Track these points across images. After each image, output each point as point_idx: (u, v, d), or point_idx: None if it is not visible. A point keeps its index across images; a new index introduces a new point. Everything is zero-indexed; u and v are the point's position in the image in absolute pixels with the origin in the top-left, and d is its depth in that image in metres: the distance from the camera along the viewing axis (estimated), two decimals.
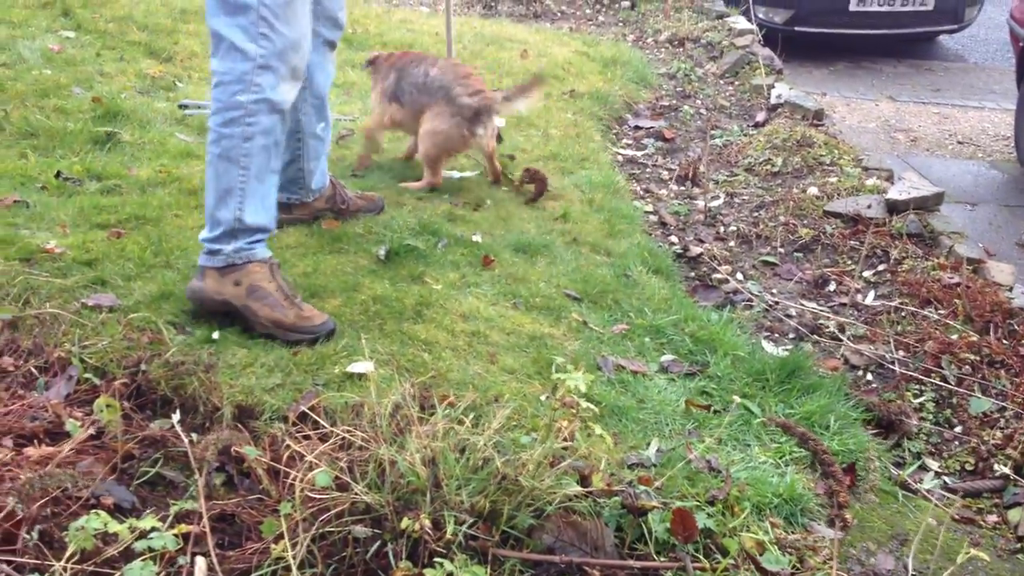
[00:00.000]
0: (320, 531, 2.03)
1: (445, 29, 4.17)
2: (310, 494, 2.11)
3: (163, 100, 4.50)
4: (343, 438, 2.29)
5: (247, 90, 2.60)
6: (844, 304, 3.60)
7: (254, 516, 2.15)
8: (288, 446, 2.25)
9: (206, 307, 2.75)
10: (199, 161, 3.83)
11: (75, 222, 3.22)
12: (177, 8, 5.99)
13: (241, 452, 2.25)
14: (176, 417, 2.28)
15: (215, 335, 2.68)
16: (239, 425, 2.41)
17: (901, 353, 3.22)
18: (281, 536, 1.99)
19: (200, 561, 1.96)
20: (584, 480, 2.25)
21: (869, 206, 4.17)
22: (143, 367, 2.48)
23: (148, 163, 3.76)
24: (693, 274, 3.79)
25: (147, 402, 2.46)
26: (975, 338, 3.22)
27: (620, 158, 4.96)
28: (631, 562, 2.08)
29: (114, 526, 1.93)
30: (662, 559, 2.09)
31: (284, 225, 3.35)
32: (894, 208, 4.16)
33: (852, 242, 3.97)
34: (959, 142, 6.24)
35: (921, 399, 3.06)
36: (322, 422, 2.34)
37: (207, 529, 2.01)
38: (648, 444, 2.51)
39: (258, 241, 2.76)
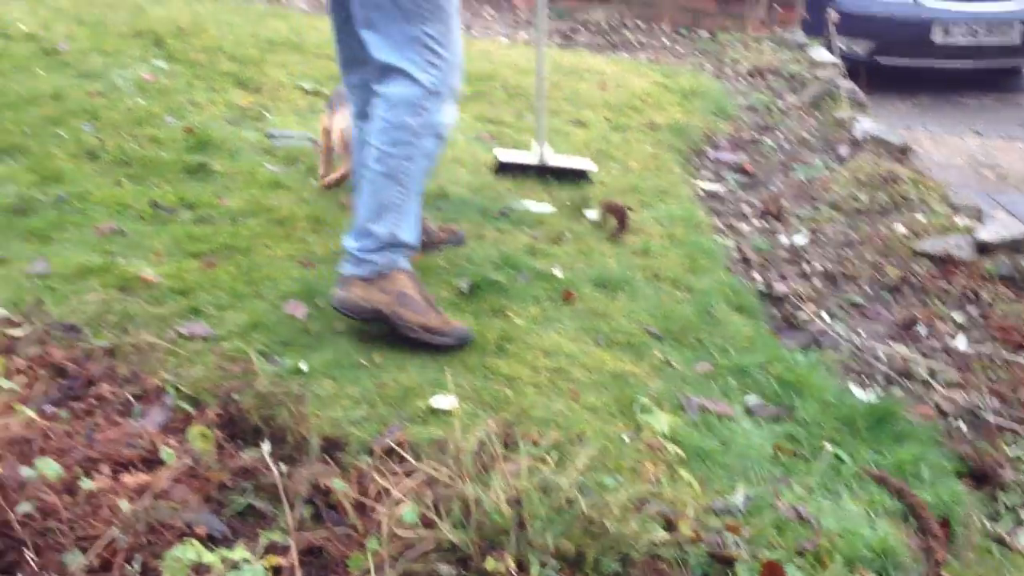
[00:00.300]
0: (405, 568, 2.04)
1: (536, 61, 4.30)
2: (396, 530, 2.13)
3: (252, 130, 4.59)
4: (428, 474, 2.30)
5: (416, 113, 2.73)
6: (935, 348, 3.51)
7: (341, 550, 2.16)
8: (374, 480, 2.27)
9: (355, 316, 2.87)
10: (287, 192, 3.90)
11: (169, 251, 3.30)
12: (265, 39, 6.12)
13: (329, 485, 2.27)
14: (266, 447, 2.31)
15: (304, 366, 2.72)
16: (326, 457, 2.43)
17: (995, 401, 3.14)
18: (368, 572, 2.01)
19: None
20: (670, 526, 2.22)
21: (959, 246, 4.09)
22: (235, 396, 2.53)
23: (238, 193, 3.84)
24: (777, 313, 3.74)
25: (238, 431, 2.50)
26: None
27: (700, 192, 4.93)
28: None
29: (207, 556, 1.97)
30: None
31: None
32: (984, 249, 4.06)
33: (942, 283, 3.89)
34: None
35: (1016, 450, 2.97)
36: (408, 457, 2.36)
37: (295, 562, 2.04)
38: (734, 490, 2.47)
39: (402, 256, 2.89)
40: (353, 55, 3.00)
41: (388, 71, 2.74)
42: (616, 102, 5.89)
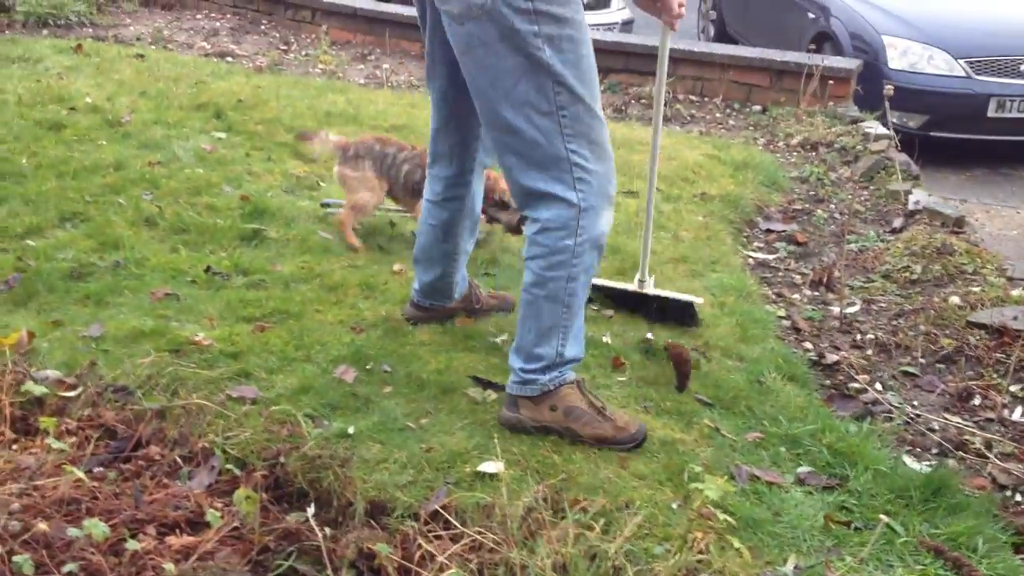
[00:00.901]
0: None
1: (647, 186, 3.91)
2: None
3: (306, 199, 4.69)
4: (474, 539, 2.29)
5: (572, 234, 2.63)
6: (990, 419, 3.43)
7: None
8: (420, 545, 2.26)
9: (525, 432, 2.85)
10: (338, 258, 3.96)
11: (222, 315, 3.36)
12: (323, 112, 6.27)
13: (373, 549, 2.27)
14: (311, 511, 2.32)
15: (351, 429, 2.73)
16: (371, 521, 2.43)
17: None
18: None
19: None
20: None
21: (1015, 317, 4.01)
22: (281, 459, 2.54)
23: (291, 259, 3.91)
24: (829, 382, 3.69)
25: (283, 494, 2.51)
26: None
27: (751, 261, 4.91)
28: None
29: None
30: None
31: (418, 323, 3.43)
32: None
33: (997, 354, 3.81)
34: None
35: None
36: (453, 521, 2.35)
37: None
38: (785, 560, 2.42)
39: (567, 370, 2.85)
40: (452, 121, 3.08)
41: (536, 196, 2.65)
42: (668, 173, 5.91)
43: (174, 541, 2.22)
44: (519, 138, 2.58)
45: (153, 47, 8.22)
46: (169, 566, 2.08)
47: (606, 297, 3.84)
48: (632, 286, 3.77)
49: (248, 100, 6.34)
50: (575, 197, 2.60)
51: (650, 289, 3.76)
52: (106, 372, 2.89)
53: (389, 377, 3.05)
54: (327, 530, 2.30)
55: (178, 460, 2.54)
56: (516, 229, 4.10)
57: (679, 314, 3.75)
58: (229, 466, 2.52)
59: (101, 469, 2.48)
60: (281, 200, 4.55)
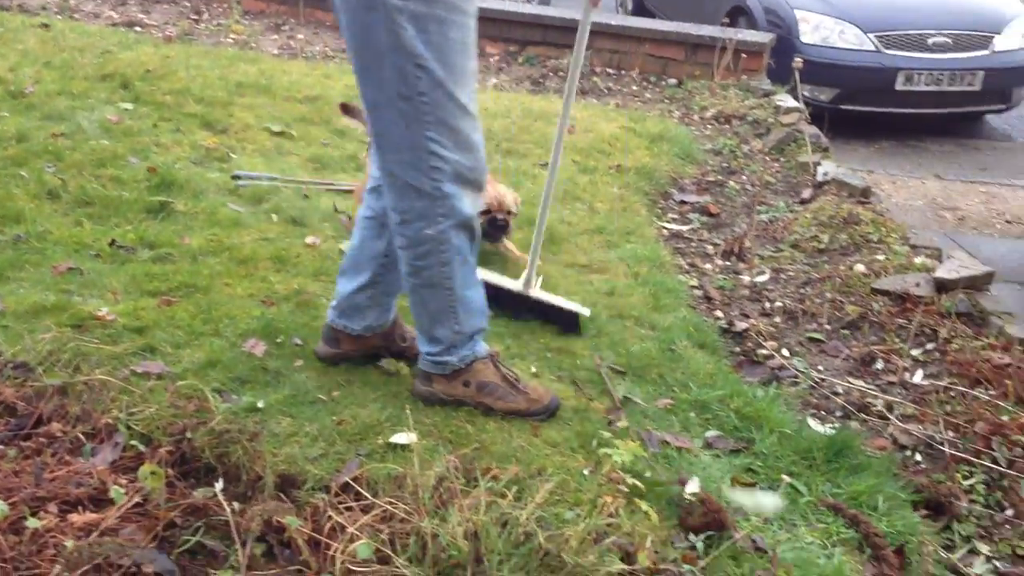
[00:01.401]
0: None
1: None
2: (351, 566, 2.11)
3: (216, 171, 4.59)
4: (385, 510, 2.28)
5: (432, 223, 2.57)
6: (892, 383, 3.54)
7: None
8: (330, 517, 2.25)
9: (439, 404, 2.84)
10: (249, 231, 3.90)
11: (127, 289, 3.28)
12: (234, 82, 6.14)
13: (282, 522, 2.25)
14: (219, 486, 2.29)
15: (260, 403, 2.70)
16: (281, 495, 2.41)
17: (951, 434, 3.16)
18: None
19: None
20: (628, 558, 2.22)
21: (917, 284, 4.13)
22: (188, 435, 2.50)
23: (200, 232, 3.83)
24: (738, 349, 3.76)
25: (191, 470, 2.48)
26: None
27: (665, 232, 4.96)
28: None
29: None
30: None
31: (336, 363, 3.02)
32: (943, 287, 4.11)
33: (900, 320, 3.93)
34: (1008, 221, 6.19)
35: (971, 481, 2.98)
36: (364, 493, 2.34)
37: None
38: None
39: (476, 344, 2.82)
40: None
41: (391, 179, 2.57)
42: (584, 146, 5.94)
43: (76, 518, 2.18)
44: (378, 117, 2.51)
45: (59, 16, 7.95)
46: (70, 543, 2.04)
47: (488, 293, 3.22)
48: (515, 285, 3.50)
49: (156, 70, 6.18)
50: (429, 185, 2.51)
51: (535, 292, 3.51)
52: (5, 348, 2.81)
53: (300, 351, 3.02)
54: (235, 505, 2.27)
55: (81, 437, 2.48)
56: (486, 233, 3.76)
57: (562, 321, 3.49)
58: (134, 442, 2.47)
59: (1, 447, 2.42)
60: (190, 172, 4.45)
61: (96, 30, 7.45)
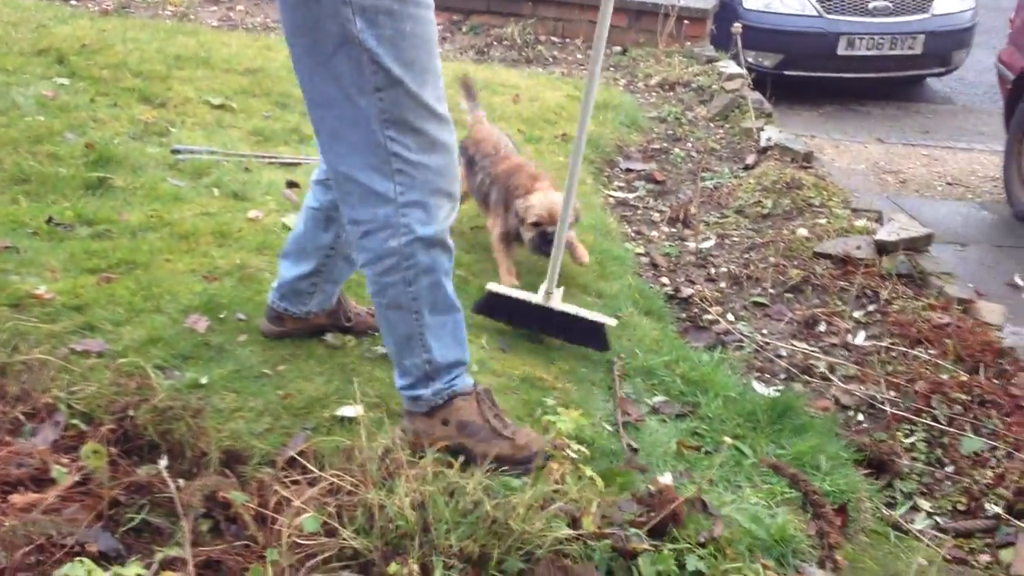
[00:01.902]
0: None
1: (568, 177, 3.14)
2: (297, 540, 2.10)
3: (156, 145, 4.51)
4: (332, 483, 2.28)
5: (396, 234, 2.32)
6: (834, 344, 3.60)
7: (241, 563, 2.12)
8: (276, 491, 2.24)
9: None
10: (190, 205, 3.84)
11: (65, 267, 3.22)
12: (172, 55, 6.03)
13: (228, 498, 2.23)
14: (163, 463, 2.26)
15: (203, 380, 2.67)
16: (226, 470, 2.39)
17: (892, 393, 3.22)
18: None
19: None
20: (575, 523, 2.23)
21: (858, 247, 4.19)
22: (130, 412, 2.46)
23: (139, 208, 3.76)
24: (684, 315, 3.80)
25: (134, 448, 2.44)
26: (965, 378, 3.22)
27: (611, 200, 4.98)
28: None
29: (98, 574, 1.92)
30: None
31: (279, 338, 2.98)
32: (883, 249, 4.17)
33: (842, 283, 3.99)
34: (948, 183, 6.29)
35: (912, 439, 3.05)
36: (311, 467, 2.33)
37: None
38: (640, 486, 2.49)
39: (457, 376, 2.53)
40: None
41: (351, 185, 2.32)
42: (529, 115, 5.93)
43: (17, 499, 2.14)
44: (333, 115, 2.28)
45: None
46: (11, 522, 2.01)
47: (501, 305, 3.24)
48: (536, 297, 3.18)
49: (93, 44, 6.04)
50: (392, 190, 2.28)
51: (557, 303, 3.18)
52: None
53: (244, 325, 2.98)
54: (180, 482, 2.25)
55: (20, 417, 2.43)
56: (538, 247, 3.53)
57: (586, 336, 3.20)
58: (75, 421, 2.43)
59: None
60: (128, 147, 4.37)
61: (31, 4, 7.27)
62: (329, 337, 2.98)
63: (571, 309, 3.17)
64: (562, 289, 3.25)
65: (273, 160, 4.53)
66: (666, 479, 2.46)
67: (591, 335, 3.17)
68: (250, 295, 3.15)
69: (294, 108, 5.34)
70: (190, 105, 5.21)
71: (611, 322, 3.17)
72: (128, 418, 2.46)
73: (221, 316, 3.01)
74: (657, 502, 2.28)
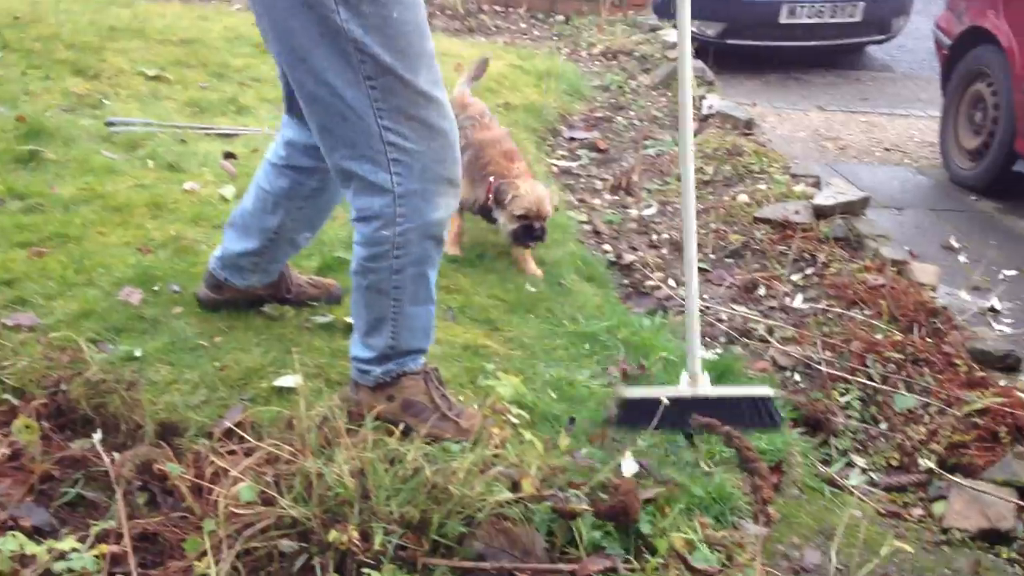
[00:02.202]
0: (245, 547, 1.99)
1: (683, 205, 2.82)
2: (234, 510, 2.08)
3: (89, 118, 4.43)
4: (269, 452, 2.26)
5: (391, 224, 2.28)
6: (773, 307, 3.65)
7: (177, 534, 2.10)
8: (212, 462, 2.22)
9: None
10: (124, 178, 3.78)
11: None
12: (105, 26, 5.91)
13: (164, 470, 2.21)
14: (97, 436, 2.23)
15: (138, 352, 2.63)
16: (162, 443, 2.37)
17: (828, 353, 3.27)
18: (204, 553, 1.96)
19: None
20: (515, 486, 2.24)
21: (797, 212, 4.24)
22: (63, 386, 2.43)
23: (72, 181, 3.69)
24: (626, 281, 3.82)
25: (67, 422, 2.41)
26: (899, 337, 3.28)
27: (555, 169, 4.98)
28: (561, 565, 2.08)
29: (31, 547, 1.89)
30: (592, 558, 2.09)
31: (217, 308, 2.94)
32: (821, 213, 4.23)
33: (781, 247, 4.03)
34: (886, 149, 6.38)
35: (847, 398, 3.10)
36: (248, 437, 2.31)
37: (129, 548, 1.98)
38: (581, 449, 2.51)
39: (411, 359, 2.52)
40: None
41: (347, 177, 2.29)
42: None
43: None
44: (323, 109, 2.23)
45: None
46: None
47: (642, 411, 2.55)
48: (683, 389, 2.58)
49: (25, 17, 5.90)
50: (388, 181, 2.24)
51: (707, 388, 2.60)
52: None
53: (179, 297, 2.95)
54: (115, 455, 2.22)
55: None
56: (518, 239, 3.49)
57: (749, 415, 2.57)
58: (6, 396, 2.39)
59: None
60: (60, 120, 4.28)
61: None
62: (267, 308, 2.95)
63: (727, 391, 2.63)
64: (707, 373, 2.65)
65: (210, 131, 4.46)
66: (629, 466, 2.36)
67: (757, 412, 2.58)
68: (185, 267, 3.11)
69: (231, 78, 5.27)
70: (124, 77, 5.11)
71: (770, 393, 2.59)
72: (61, 392, 2.43)
73: (155, 288, 2.97)
74: (613, 493, 2.24)
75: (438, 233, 2.35)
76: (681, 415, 2.52)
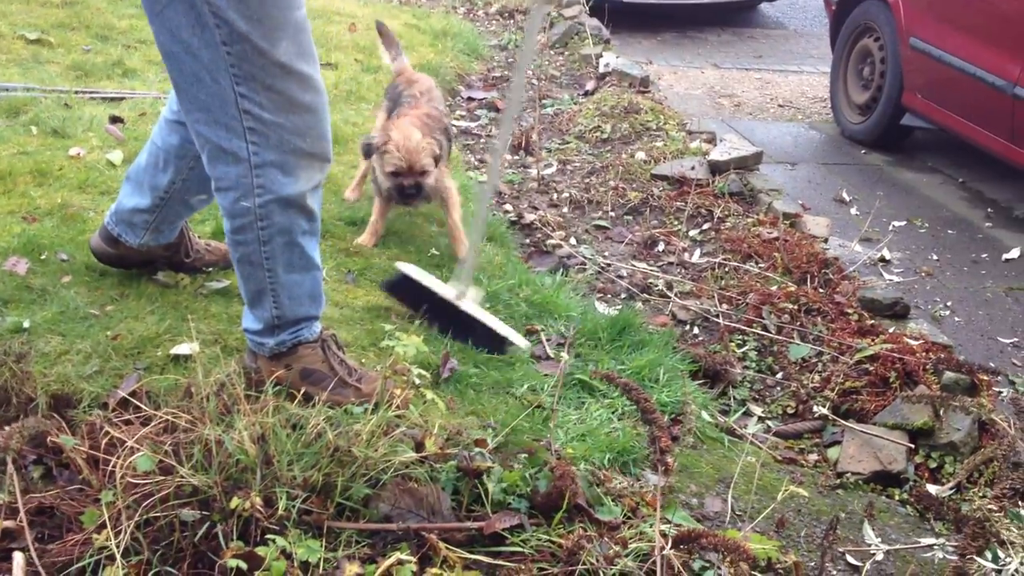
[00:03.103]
0: (144, 517, 1.96)
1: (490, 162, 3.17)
2: (132, 480, 2.04)
3: None
4: (167, 421, 2.21)
5: (249, 195, 2.21)
6: (672, 263, 3.71)
7: (75, 507, 2.06)
8: (108, 433, 2.17)
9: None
10: (6, 145, 3.63)
11: None
12: (37, 4, 5.63)
13: (58, 442, 2.15)
14: None
15: (26, 324, 2.54)
16: (55, 415, 2.30)
17: (725, 306, 3.34)
18: (103, 525, 1.92)
19: (18, 556, 1.87)
20: (419, 446, 2.24)
21: (693, 168, 4.30)
22: None
23: None
24: (528, 241, 3.84)
25: None
26: (793, 288, 3.37)
27: (454, 130, 4.95)
28: (468, 523, 2.09)
29: None
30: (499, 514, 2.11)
31: (109, 264, 2.86)
32: (716, 169, 4.30)
33: (678, 203, 4.09)
34: (780, 105, 6.51)
35: (744, 349, 3.18)
36: (143, 407, 2.26)
37: (24, 523, 1.93)
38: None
39: (303, 328, 2.46)
40: None
41: (202, 142, 2.22)
42: (367, 44, 5.81)
43: None
44: (178, 67, 2.14)
45: None
46: None
47: (411, 290, 2.92)
48: (449, 292, 2.85)
49: None
50: (244, 150, 2.17)
51: (469, 305, 2.84)
52: None
53: (68, 266, 2.85)
54: (7, 429, 2.15)
55: None
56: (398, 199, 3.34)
57: (489, 342, 2.84)
58: None
59: None
60: None
61: None
62: (160, 276, 2.88)
63: (483, 316, 2.83)
64: (480, 291, 2.95)
65: (95, 95, 4.31)
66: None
67: (493, 342, 2.83)
68: (73, 235, 3.01)
69: (116, 41, 5.09)
70: (4, 41, 4.90)
71: (522, 343, 2.82)
72: None
73: (42, 257, 2.87)
74: (551, 478, 2.20)
75: (302, 203, 2.27)
76: (442, 316, 2.85)
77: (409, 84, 3.66)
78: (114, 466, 2.06)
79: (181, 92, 2.18)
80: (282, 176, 2.21)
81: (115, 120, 3.99)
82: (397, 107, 3.52)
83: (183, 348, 2.54)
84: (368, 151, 3.26)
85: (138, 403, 2.28)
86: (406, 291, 2.95)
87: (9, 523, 1.93)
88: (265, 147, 2.18)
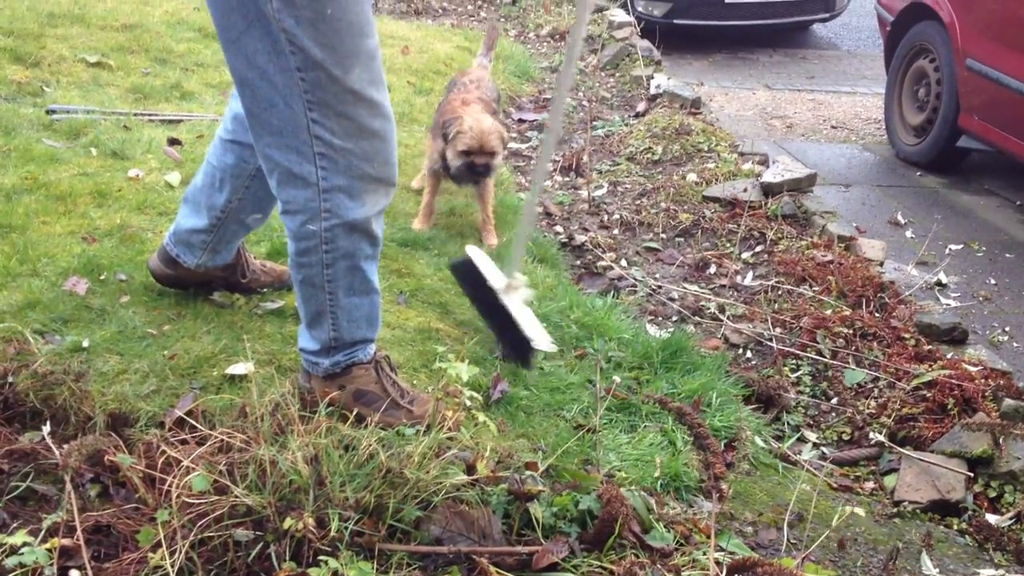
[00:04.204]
0: (199, 537, 1.98)
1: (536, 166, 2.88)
2: (188, 500, 2.06)
3: (30, 106, 4.33)
4: (222, 441, 2.24)
5: (316, 218, 2.24)
6: (724, 286, 3.68)
7: (131, 526, 2.08)
8: (164, 452, 2.19)
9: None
10: (67, 166, 3.70)
11: None
12: (44, 12, 5.77)
13: (116, 462, 2.18)
14: (47, 429, 2.20)
15: (85, 343, 2.59)
16: (113, 434, 2.33)
17: (778, 330, 3.31)
18: (159, 544, 1.94)
19: (74, 574, 1.89)
20: (470, 469, 2.24)
21: (745, 190, 4.27)
22: (10, 379, 2.38)
23: (14, 170, 3.61)
24: (578, 262, 3.83)
25: (15, 415, 2.36)
26: (848, 312, 3.33)
27: (505, 152, 4.97)
28: (519, 548, 2.08)
29: None
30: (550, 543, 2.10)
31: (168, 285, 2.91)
32: (769, 191, 4.26)
33: (730, 225, 4.07)
34: (833, 127, 6.45)
35: (798, 373, 3.14)
36: (199, 426, 2.29)
37: (81, 541, 1.95)
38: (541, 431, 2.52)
39: (358, 349, 2.48)
40: None
41: (271, 166, 2.25)
42: (419, 67, 5.86)
43: None
44: (252, 94, 2.19)
45: None
46: None
47: (470, 274, 2.92)
48: (498, 282, 2.83)
49: None
50: (313, 174, 2.20)
51: (512, 300, 2.78)
52: None
53: (126, 286, 2.90)
54: (66, 448, 2.19)
55: None
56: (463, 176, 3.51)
57: (514, 348, 2.84)
58: None
59: None
60: (0, 109, 4.18)
61: None
62: (216, 296, 2.92)
63: (519, 315, 2.76)
64: (530, 292, 2.90)
65: (153, 117, 4.39)
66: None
67: (518, 349, 2.81)
68: (131, 255, 3.06)
69: (174, 64, 5.19)
70: (65, 64, 5.00)
71: (547, 347, 2.76)
72: (8, 385, 2.38)
73: (102, 277, 2.92)
74: (601, 504, 2.12)
75: (367, 228, 2.30)
76: (484, 302, 2.86)
77: (463, 74, 3.94)
78: (170, 485, 2.08)
79: (253, 117, 2.21)
80: (349, 201, 2.24)
81: (173, 142, 4.06)
82: (448, 94, 3.84)
83: (238, 368, 2.57)
84: (447, 130, 3.47)
85: (194, 422, 2.30)
86: (465, 275, 2.97)
87: (67, 541, 1.95)
88: (334, 172, 2.20)
